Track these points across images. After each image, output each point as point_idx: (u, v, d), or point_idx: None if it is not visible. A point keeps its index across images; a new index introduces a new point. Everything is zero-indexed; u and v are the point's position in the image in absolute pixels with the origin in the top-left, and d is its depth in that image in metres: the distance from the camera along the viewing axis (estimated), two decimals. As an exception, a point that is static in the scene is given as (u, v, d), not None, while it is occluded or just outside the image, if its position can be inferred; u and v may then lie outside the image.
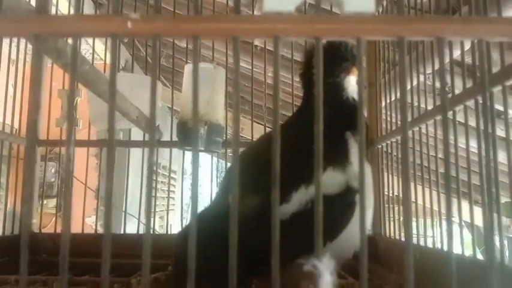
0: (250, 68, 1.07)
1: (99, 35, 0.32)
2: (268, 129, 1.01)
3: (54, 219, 1.06)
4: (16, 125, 0.98)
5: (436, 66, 0.69)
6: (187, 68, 0.87)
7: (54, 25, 0.31)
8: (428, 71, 0.72)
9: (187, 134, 0.83)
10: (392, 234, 0.86)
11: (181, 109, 0.84)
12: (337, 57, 0.61)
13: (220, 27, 0.31)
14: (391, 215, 0.87)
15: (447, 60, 0.86)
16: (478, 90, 0.52)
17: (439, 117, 0.61)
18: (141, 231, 1.05)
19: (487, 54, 0.43)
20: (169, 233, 1.00)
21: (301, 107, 0.68)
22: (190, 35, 0.31)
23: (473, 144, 0.51)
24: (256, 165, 0.55)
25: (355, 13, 0.31)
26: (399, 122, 0.79)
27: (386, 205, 0.92)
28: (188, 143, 0.84)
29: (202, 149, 0.84)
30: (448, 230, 0.30)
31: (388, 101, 0.88)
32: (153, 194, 1.02)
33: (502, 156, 0.40)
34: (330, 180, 0.54)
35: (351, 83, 0.61)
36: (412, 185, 0.80)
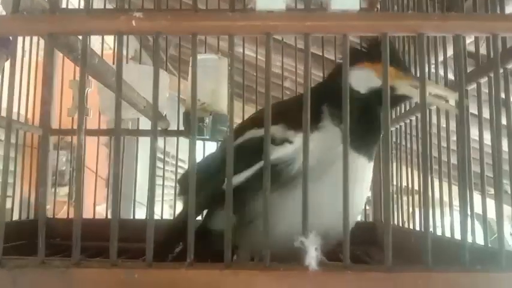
0: (255, 55, 1.09)
1: (106, 32, 0.35)
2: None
3: (66, 206, 1.10)
4: (29, 115, 1.02)
5: (448, 54, 0.68)
6: (193, 60, 0.90)
7: (65, 24, 0.34)
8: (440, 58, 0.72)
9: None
10: (396, 222, 0.88)
11: (187, 100, 0.87)
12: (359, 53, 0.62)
13: (217, 25, 0.34)
14: (396, 203, 0.88)
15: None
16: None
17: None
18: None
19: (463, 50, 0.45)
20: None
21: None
22: (189, 32, 0.34)
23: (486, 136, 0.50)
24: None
25: (341, 11, 0.34)
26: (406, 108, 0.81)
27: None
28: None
29: (208, 137, 0.87)
30: (424, 208, 0.33)
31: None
32: (160, 183, 1.06)
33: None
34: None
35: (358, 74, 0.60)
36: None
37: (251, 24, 0.34)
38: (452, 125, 0.60)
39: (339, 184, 0.55)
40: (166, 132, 0.99)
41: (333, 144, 0.57)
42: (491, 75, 0.45)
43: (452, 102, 0.51)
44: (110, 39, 1.84)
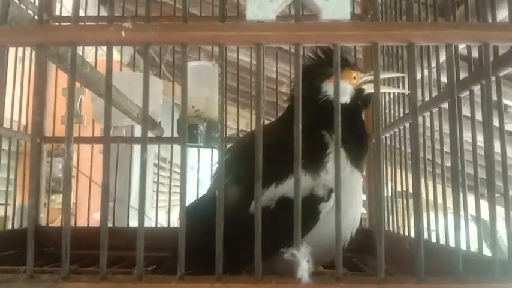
0: (249, 60, 1.09)
1: (95, 43, 0.34)
2: (266, 122, 1.02)
3: (62, 214, 1.10)
4: (24, 122, 1.01)
5: (442, 59, 0.68)
6: (188, 67, 0.90)
7: (54, 35, 0.34)
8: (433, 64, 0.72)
9: (188, 131, 0.86)
10: (391, 227, 0.87)
11: (182, 106, 0.87)
12: (319, 63, 0.65)
13: (207, 35, 0.34)
14: (391, 209, 0.88)
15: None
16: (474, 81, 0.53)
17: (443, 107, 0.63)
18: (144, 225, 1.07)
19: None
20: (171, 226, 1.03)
21: (285, 112, 0.71)
22: (178, 42, 0.34)
23: (480, 138, 0.50)
24: (239, 162, 0.59)
25: (331, 21, 0.34)
26: (400, 114, 0.81)
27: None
28: (189, 139, 0.87)
29: (202, 145, 0.87)
30: (416, 220, 0.33)
31: (393, 95, 0.88)
32: (155, 189, 1.06)
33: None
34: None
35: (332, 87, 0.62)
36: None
37: (241, 35, 0.34)
38: (446, 128, 0.60)
39: (346, 201, 0.56)
40: (161, 140, 0.98)
41: (342, 166, 0.58)
42: (484, 82, 0.45)
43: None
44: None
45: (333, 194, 0.56)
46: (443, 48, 0.64)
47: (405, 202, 0.82)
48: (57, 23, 0.97)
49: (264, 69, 0.97)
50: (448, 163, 0.58)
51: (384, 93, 0.87)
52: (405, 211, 0.82)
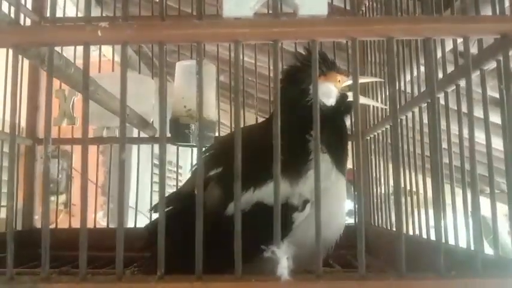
0: (254, 62, 1.08)
1: (72, 43, 0.34)
2: (260, 120, 1.02)
3: (61, 214, 1.10)
4: (22, 124, 1.02)
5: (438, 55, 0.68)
6: (179, 66, 0.90)
7: (30, 36, 0.34)
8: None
9: (180, 130, 0.85)
10: (383, 224, 0.87)
11: (173, 106, 0.86)
12: (306, 65, 0.63)
13: (184, 34, 0.34)
14: (385, 205, 0.88)
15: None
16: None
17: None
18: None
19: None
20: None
21: (270, 115, 0.70)
22: (156, 41, 0.34)
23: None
24: (218, 161, 0.58)
25: (309, 16, 0.33)
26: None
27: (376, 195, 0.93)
28: (181, 139, 0.86)
29: (194, 144, 0.87)
30: (396, 207, 0.33)
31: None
32: (154, 189, 1.06)
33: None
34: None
35: (320, 89, 0.61)
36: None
37: (219, 32, 0.33)
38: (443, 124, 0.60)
39: (332, 207, 0.55)
40: (154, 140, 0.98)
41: (326, 173, 0.59)
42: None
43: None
44: (105, 48, 1.84)
45: (308, 205, 0.55)
46: (438, 43, 0.64)
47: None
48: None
49: (253, 67, 0.97)
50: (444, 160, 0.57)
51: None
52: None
